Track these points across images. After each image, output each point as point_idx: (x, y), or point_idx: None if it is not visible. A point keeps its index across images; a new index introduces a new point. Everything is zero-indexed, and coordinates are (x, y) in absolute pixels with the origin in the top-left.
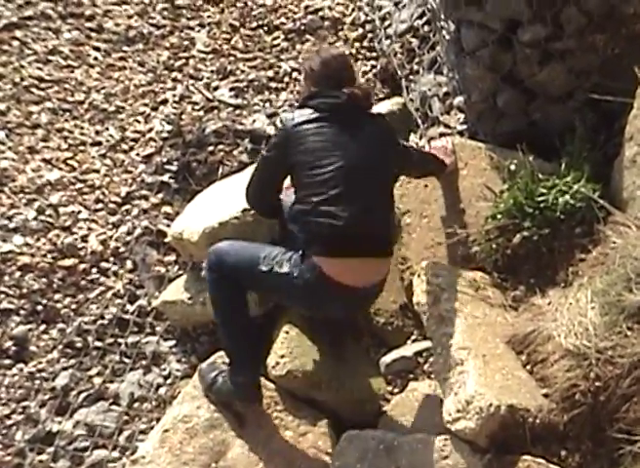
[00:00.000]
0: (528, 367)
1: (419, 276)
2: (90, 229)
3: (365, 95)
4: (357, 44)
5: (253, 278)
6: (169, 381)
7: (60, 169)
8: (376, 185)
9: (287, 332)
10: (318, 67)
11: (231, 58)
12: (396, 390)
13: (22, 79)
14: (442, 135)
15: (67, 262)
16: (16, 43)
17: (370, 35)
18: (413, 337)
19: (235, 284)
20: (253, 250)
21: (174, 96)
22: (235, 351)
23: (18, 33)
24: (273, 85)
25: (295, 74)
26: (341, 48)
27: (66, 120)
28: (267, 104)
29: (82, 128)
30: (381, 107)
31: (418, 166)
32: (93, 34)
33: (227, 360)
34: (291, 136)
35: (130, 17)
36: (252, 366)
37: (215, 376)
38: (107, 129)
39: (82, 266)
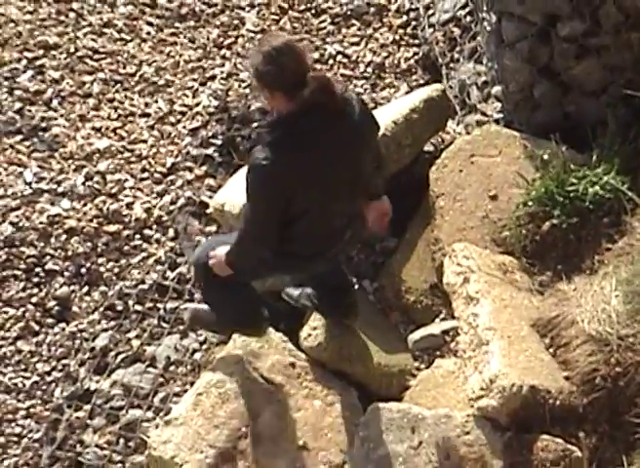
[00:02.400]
0: (551, 349)
1: (450, 257)
2: (135, 197)
3: (329, 90)
4: (401, 31)
5: None
6: (204, 347)
7: (110, 137)
8: (356, 191)
9: None
10: (266, 67)
11: None
12: (422, 366)
13: (77, 49)
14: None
15: (112, 228)
16: (72, 14)
17: (413, 23)
18: (441, 316)
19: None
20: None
21: (222, 72)
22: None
23: (74, 5)
24: (318, 66)
25: (339, 57)
26: (385, 34)
27: (117, 91)
28: None
29: (132, 99)
30: (421, 93)
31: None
32: (147, 9)
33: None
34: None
35: None
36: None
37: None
38: (156, 101)
39: (126, 232)
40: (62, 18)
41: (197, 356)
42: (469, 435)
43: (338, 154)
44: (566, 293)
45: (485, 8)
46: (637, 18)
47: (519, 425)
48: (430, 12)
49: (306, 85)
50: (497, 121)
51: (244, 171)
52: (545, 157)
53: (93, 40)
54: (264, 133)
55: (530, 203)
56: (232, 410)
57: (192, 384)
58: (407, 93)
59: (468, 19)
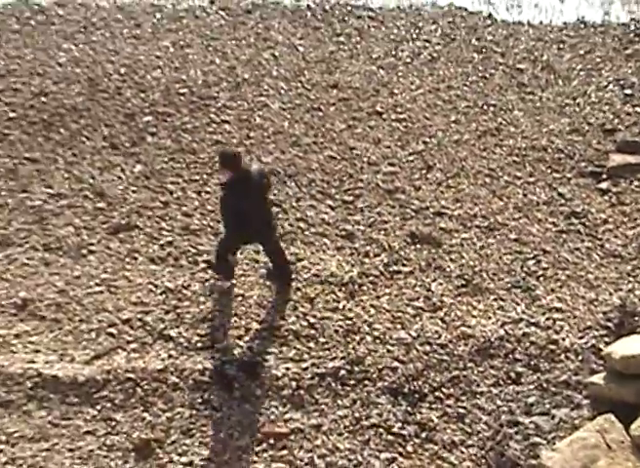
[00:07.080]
0: None
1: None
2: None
3: (246, 174)
4: None
5: None
6: (580, 418)
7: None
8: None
9: None
10: (220, 159)
11: None
12: None
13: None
14: None
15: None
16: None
17: None
18: None
19: None
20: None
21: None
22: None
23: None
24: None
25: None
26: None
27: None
28: None
29: (552, 292)
30: None
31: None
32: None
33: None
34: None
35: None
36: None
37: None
38: (573, 298)
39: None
40: None
41: (576, 421)
42: None
43: (251, 196)
44: None
45: None
46: None
47: None
48: None
49: (238, 168)
50: None
51: (627, 338)
52: None
53: None
54: (225, 184)
55: None
56: (587, 453)
57: (569, 434)
58: None
59: None
